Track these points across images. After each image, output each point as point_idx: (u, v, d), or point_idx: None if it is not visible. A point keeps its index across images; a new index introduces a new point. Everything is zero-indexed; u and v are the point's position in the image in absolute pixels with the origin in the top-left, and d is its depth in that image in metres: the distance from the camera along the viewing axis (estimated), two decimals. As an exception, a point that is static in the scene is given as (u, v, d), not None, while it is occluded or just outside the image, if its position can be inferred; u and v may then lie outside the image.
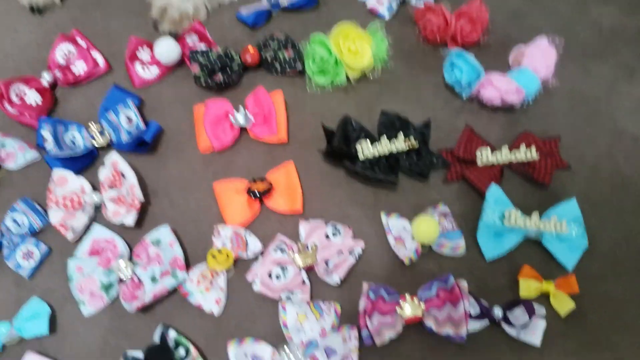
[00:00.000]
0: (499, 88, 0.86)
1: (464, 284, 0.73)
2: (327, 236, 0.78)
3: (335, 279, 0.74)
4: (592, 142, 0.91)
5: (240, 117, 0.84)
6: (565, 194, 0.86)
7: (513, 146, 0.87)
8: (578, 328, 0.77)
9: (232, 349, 0.68)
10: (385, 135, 0.83)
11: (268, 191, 0.79)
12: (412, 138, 0.83)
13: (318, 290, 0.76)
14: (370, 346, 0.71)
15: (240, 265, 0.77)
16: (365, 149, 0.81)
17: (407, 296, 0.72)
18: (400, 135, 0.83)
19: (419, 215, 0.78)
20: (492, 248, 0.79)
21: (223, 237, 0.77)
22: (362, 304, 0.73)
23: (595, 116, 0.94)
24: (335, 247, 0.77)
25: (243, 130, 0.87)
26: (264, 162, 0.85)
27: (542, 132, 0.90)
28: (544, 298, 0.78)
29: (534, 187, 0.86)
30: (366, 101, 0.91)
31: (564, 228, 0.79)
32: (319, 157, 0.85)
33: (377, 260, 0.79)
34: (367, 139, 0.83)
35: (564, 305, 0.77)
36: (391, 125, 0.85)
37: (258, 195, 0.79)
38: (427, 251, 0.79)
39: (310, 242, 0.77)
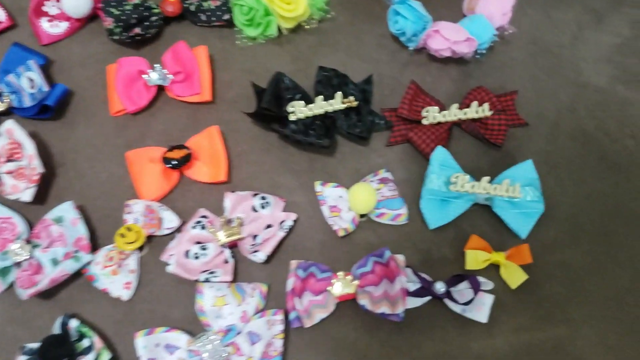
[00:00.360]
0: (447, 38, 0.76)
1: (400, 259, 0.65)
2: (254, 209, 0.69)
3: (259, 256, 0.66)
4: (553, 96, 0.83)
5: (154, 75, 0.74)
6: (522, 154, 0.78)
7: (464, 103, 0.78)
8: (531, 301, 0.70)
9: (141, 341, 0.61)
10: (322, 95, 0.74)
11: (187, 159, 0.71)
12: (350, 97, 0.74)
13: (245, 269, 0.68)
14: (299, 328, 0.64)
15: (157, 244, 0.69)
16: (298, 110, 0.72)
17: (341, 273, 0.65)
18: (338, 94, 0.74)
19: (355, 184, 0.70)
20: (436, 216, 0.72)
21: (135, 213, 0.68)
22: (290, 283, 0.65)
23: (558, 67, 0.85)
24: (263, 220, 0.69)
25: (162, 91, 0.77)
26: (185, 126, 0.76)
27: (498, 86, 0.82)
28: (495, 269, 0.71)
29: (487, 148, 0.78)
30: (303, 55, 0.82)
31: (516, 192, 0.72)
32: (248, 119, 0.76)
33: (311, 234, 0.71)
34: (302, 99, 0.73)
35: (515, 277, 0.70)
36: (328, 82, 0.75)
37: (176, 164, 0.70)
38: (365, 220, 0.72)
39: (235, 215, 0.69)
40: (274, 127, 0.72)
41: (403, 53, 0.83)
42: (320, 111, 0.73)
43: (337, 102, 0.73)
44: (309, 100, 0.74)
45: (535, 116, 0.81)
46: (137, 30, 0.79)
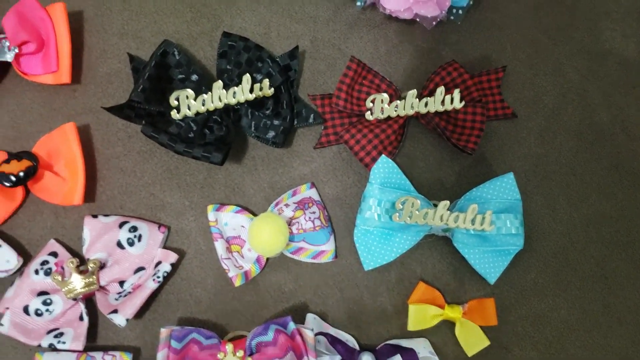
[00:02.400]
0: (405, -5, 0.52)
1: (308, 335, 0.47)
2: (120, 245, 0.51)
3: (118, 320, 0.48)
4: (556, 72, 0.60)
5: (-14, 49, 0.53)
6: (503, 160, 0.57)
7: (426, 88, 0.56)
8: (492, 371, 0.53)
9: None
10: (223, 79, 0.53)
11: (31, 172, 0.51)
12: (265, 81, 0.51)
13: (108, 325, 0.51)
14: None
15: (-7, 288, 0.51)
16: (185, 104, 0.51)
17: (229, 347, 0.47)
18: (245, 78, 0.50)
19: (257, 219, 0.50)
20: (373, 254, 0.53)
21: (-39, 248, 0.50)
22: (161, 356, 0.48)
23: (568, 27, 0.61)
24: (131, 261, 0.51)
25: (6, 67, 0.56)
26: (39, 117, 0.55)
27: (481, 57, 0.59)
28: (449, 326, 0.53)
29: (455, 152, 0.57)
30: (210, 11, 0.58)
31: (486, 224, 0.52)
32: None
33: (201, 275, 0.53)
34: (197, 85, 0.52)
35: (473, 341, 0.52)
36: (235, 57, 0.53)
37: (13, 182, 0.50)
38: (277, 257, 0.53)
39: (94, 254, 0.51)
40: (145, 132, 0.50)
41: (350, 8, 0.59)
42: (219, 105, 0.51)
43: (244, 91, 0.51)
44: (208, 86, 0.51)
45: (528, 103, 0.59)
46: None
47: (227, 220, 0.52)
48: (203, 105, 0.51)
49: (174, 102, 0.51)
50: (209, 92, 0.51)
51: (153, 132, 0.50)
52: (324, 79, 0.57)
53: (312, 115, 0.55)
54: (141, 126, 0.51)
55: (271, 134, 0.53)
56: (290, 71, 0.55)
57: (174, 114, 0.51)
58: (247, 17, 0.58)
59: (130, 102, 0.51)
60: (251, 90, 0.50)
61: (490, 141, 0.57)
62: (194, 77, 0.52)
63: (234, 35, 0.53)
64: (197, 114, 0.51)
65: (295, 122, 0.54)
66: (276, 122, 0.53)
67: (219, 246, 0.52)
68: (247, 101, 0.51)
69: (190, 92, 0.51)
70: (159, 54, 0.52)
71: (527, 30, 0.60)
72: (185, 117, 0.51)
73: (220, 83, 0.51)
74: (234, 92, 0.51)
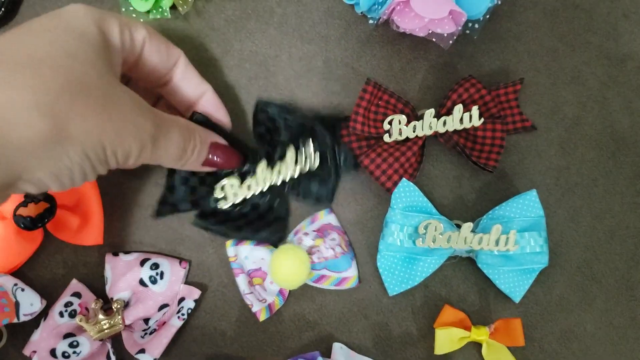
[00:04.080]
0: (421, 15, 0.51)
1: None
2: (143, 283, 0.51)
3: (145, 359, 0.49)
4: (575, 81, 0.58)
5: None
6: (524, 175, 0.56)
7: (444, 106, 0.55)
8: (521, 390, 0.53)
9: None
10: (264, 156, 0.49)
11: (47, 216, 0.50)
12: (312, 155, 0.49)
13: (135, 361, 0.51)
14: None
15: (19, 331, 0.51)
16: (230, 195, 0.49)
17: (257, 381, 0.47)
18: (289, 154, 0.48)
19: (278, 252, 0.50)
20: (398, 279, 0.52)
21: (-16, 293, 0.50)
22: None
23: (586, 32, 0.60)
24: (155, 299, 0.50)
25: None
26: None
27: (498, 69, 0.58)
28: (475, 347, 0.53)
29: (475, 169, 0.56)
30: (217, 35, 0.57)
31: (510, 244, 0.51)
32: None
33: (224, 309, 0.53)
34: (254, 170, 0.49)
35: (500, 362, 0.52)
36: (272, 126, 0.49)
37: (29, 226, 0.50)
38: (299, 288, 0.53)
39: (117, 294, 0.50)
40: (198, 225, 0.50)
41: (362, 25, 0.58)
42: (264, 187, 0.49)
43: (289, 167, 0.49)
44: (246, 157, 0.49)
45: (547, 114, 0.57)
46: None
47: (247, 253, 0.52)
48: (249, 189, 0.49)
49: (219, 193, 0.49)
50: (254, 175, 0.49)
51: (206, 224, 0.50)
52: (338, 100, 0.56)
53: (350, 162, 0.53)
54: (193, 220, 0.50)
55: (319, 195, 0.51)
56: (335, 134, 0.52)
57: (221, 204, 0.50)
58: (257, 39, 0.57)
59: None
60: (296, 162, 0.48)
61: (510, 156, 0.56)
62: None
63: (269, 102, 0.49)
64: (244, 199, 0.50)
65: (340, 173, 0.53)
66: (321, 188, 0.51)
67: (241, 282, 0.51)
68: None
69: (235, 181, 0.49)
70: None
71: (544, 38, 0.59)
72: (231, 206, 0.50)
73: (264, 164, 0.48)
74: (279, 171, 0.48)
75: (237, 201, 0.48)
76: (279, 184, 0.48)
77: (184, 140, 0.37)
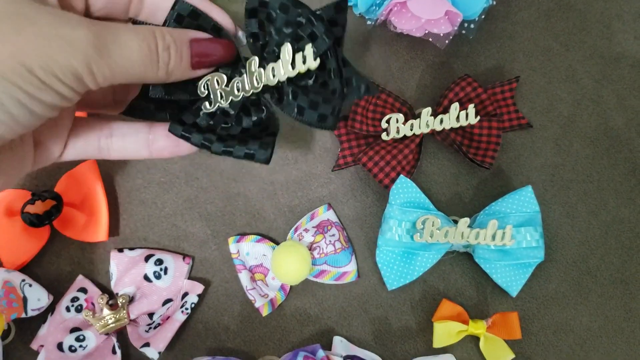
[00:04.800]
0: (418, 16, 0.52)
1: (337, 362, 0.48)
2: (147, 278, 0.52)
3: (150, 353, 0.50)
4: (570, 79, 0.60)
5: None
6: (520, 171, 0.57)
7: (440, 104, 0.56)
8: (518, 382, 0.54)
9: None
10: (254, 49, 0.37)
11: (54, 213, 0.52)
12: (308, 49, 0.34)
13: (140, 358, 0.52)
14: None
15: (27, 326, 0.53)
16: (216, 91, 0.36)
17: (258, 373, 0.48)
18: (286, 49, 0.35)
19: (279, 248, 0.51)
20: (397, 274, 0.53)
21: (-7, 289, 0.51)
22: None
23: (580, 32, 0.61)
24: (159, 294, 0.52)
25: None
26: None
27: (493, 67, 0.59)
28: (473, 340, 0.54)
29: (471, 166, 0.57)
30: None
31: (506, 239, 0.52)
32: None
33: (227, 304, 0.54)
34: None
35: (498, 354, 0.53)
36: (269, 16, 0.36)
37: (35, 223, 0.51)
38: (300, 283, 0.54)
39: (122, 289, 0.52)
40: (175, 132, 0.36)
41: (360, 26, 0.59)
42: (256, 88, 0.37)
43: (284, 66, 0.35)
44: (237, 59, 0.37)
45: (543, 112, 0.59)
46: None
47: (248, 249, 0.53)
48: (238, 90, 0.37)
49: (202, 91, 0.37)
50: (243, 74, 0.37)
51: (184, 131, 0.37)
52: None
53: (363, 87, 0.39)
54: (169, 126, 0.37)
55: (319, 113, 0.36)
56: (337, 27, 0.38)
57: (205, 106, 0.37)
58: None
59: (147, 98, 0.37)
60: (293, 64, 0.36)
61: (506, 153, 0.57)
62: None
63: None
64: (232, 101, 0.38)
65: (345, 92, 0.38)
66: (324, 98, 0.37)
67: (243, 278, 0.52)
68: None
69: (222, 76, 0.37)
70: (172, 20, 0.36)
71: (539, 38, 0.60)
72: (217, 109, 0.38)
73: (255, 61, 0.36)
74: (273, 69, 0.36)
75: (224, 103, 0.37)
76: (273, 84, 0.36)
77: (144, 40, 0.30)
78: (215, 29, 0.35)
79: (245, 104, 0.37)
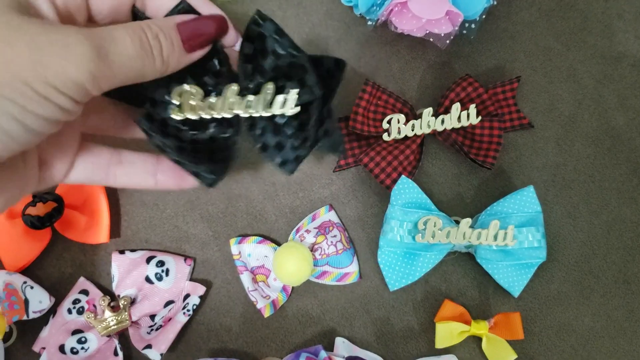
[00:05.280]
0: (419, 16, 0.52)
1: (339, 363, 0.48)
2: (149, 280, 0.52)
3: (152, 355, 0.50)
4: (571, 79, 0.59)
5: None
6: (521, 171, 0.57)
7: (442, 105, 0.56)
8: (520, 382, 0.54)
9: None
10: (244, 77, 0.35)
11: (55, 215, 0.52)
12: (292, 95, 0.34)
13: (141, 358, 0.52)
14: None
15: (29, 328, 0.53)
16: (187, 105, 0.35)
17: (261, 375, 0.48)
18: (267, 88, 0.34)
19: (281, 249, 0.51)
20: (399, 274, 0.53)
21: (-6, 291, 0.51)
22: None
23: (581, 32, 0.61)
24: (161, 295, 0.51)
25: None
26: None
27: (494, 67, 0.59)
28: (475, 340, 0.54)
29: (472, 166, 0.57)
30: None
31: (508, 239, 0.52)
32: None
33: (229, 305, 0.54)
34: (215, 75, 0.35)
35: (500, 355, 0.53)
36: (263, 51, 0.34)
37: (36, 225, 0.51)
38: (302, 285, 0.54)
39: (124, 291, 0.52)
40: (141, 125, 0.34)
41: (361, 27, 0.59)
42: (227, 114, 0.36)
43: (260, 105, 0.34)
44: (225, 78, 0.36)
45: (544, 112, 0.58)
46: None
47: (250, 251, 0.53)
48: (210, 108, 0.36)
49: (175, 98, 0.35)
50: (219, 95, 0.36)
51: (149, 128, 0.35)
52: (338, 100, 0.57)
53: (339, 147, 0.39)
54: (138, 118, 0.35)
55: (281, 157, 0.36)
56: (333, 80, 0.37)
57: (174, 112, 0.36)
58: (258, 41, 0.58)
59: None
60: (270, 104, 0.35)
61: (508, 153, 0.57)
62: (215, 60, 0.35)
63: (270, 21, 0.34)
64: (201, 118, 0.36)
65: (319, 145, 0.38)
66: (294, 144, 0.36)
67: (245, 279, 0.52)
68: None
69: (197, 90, 0.35)
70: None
71: (540, 37, 0.60)
72: (184, 120, 0.36)
73: (233, 89, 0.35)
74: (248, 102, 0.35)
75: (193, 117, 0.36)
76: (244, 116, 0.35)
77: (135, 33, 0.29)
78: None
79: (217, 118, 0.36)
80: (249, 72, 0.35)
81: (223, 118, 0.36)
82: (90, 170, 0.34)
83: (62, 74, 0.25)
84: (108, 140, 0.35)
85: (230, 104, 0.35)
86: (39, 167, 0.31)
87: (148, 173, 0.35)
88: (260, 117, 0.35)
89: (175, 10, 0.34)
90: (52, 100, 0.25)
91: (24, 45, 0.24)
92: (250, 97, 0.35)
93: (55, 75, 0.25)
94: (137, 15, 0.32)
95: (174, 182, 0.35)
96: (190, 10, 0.34)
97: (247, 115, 0.35)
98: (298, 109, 0.35)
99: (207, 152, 0.37)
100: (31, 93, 0.25)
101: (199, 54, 0.33)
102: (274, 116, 0.35)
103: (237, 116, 0.35)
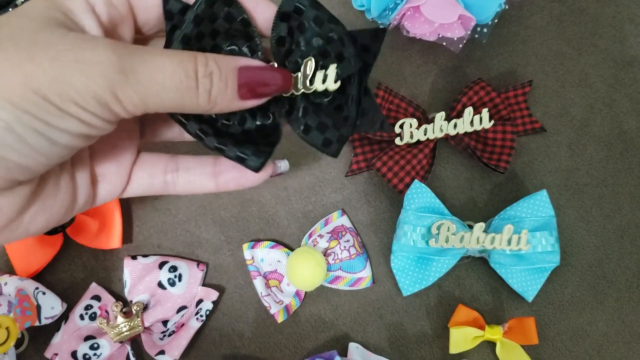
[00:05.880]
0: (431, 20, 0.52)
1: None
2: (162, 285, 0.51)
3: (165, 361, 0.49)
4: (583, 83, 0.59)
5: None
6: (534, 176, 0.57)
7: (454, 109, 0.56)
8: (534, 387, 0.53)
9: None
10: (276, 53, 0.32)
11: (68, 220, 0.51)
12: (331, 70, 0.32)
13: (155, 362, 0.52)
14: None
15: (41, 333, 0.52)
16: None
17: (275, 381, 0.48)
18: (310, 65, 0.32)
19: (294, 254, 0.51)
20: (412, 279, 0.53)
21: (6, 296, 0.51)
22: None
23: (592, 36, 0.61)
24: (174, 301, 0.51)
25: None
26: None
27: (506, 72, 0.59)
28: (489, 346, 0.54)
29: (485, 170, 0.57)
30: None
31: (522, 244, 0.52)
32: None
33: (241, 310, 0.53)
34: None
35: (514, 360, 0.52)
36: (301, 26, 0.33)
37: (51, 229, 0.51)
38: (315, 290, 0.53)
39: (136, 297, 0.51)
40: (173, 116, 0.32)
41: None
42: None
43: (302, 80, 0.32)
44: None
45: (556, 116, 0.58)
46: None
47: (263, 256, 0.53)
48: None
49: None
50: None
51: (182, 116, 0.33)
52: (350, 104, 0.57)
53: (378, 123, 0.36)
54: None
55: (324, 137, 0.34)
56: (368, 54, 0.35)
57: None
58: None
59: None
60: (312, 80, 0.33)
61: (520, 157, 0.57)
62: (245, 47, 0.33)
63: None
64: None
65: (358, 123, 0.36)
66: (336, 123, 0.34)
67: (258, 284, 0.52)
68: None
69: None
70: (204, 1, 0.32)
71: (552, 42, 0.60)
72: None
73: (274, 66, 0.33)
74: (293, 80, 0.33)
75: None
76: (286, 95, 0.34)
77: (180, 65, 0.27)
78: (244, 23, 0.32)
79: (250, 108, 0.33)
80: (283, 52, 0.33)
81: (262, 104, 0.33)
82: (148, 182, 0.33)
83: (83, 91, 0.25)
84: (162, 147, 0.34)
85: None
86: (92, 183, 0.31)
87: (208, 177, 0.34)
88: (301, 97, 0.33)
89: None
90: (74, 115, 0.25)
91: (48, 61, 0.24)
92: (292, 75, 0.32)
93: (76, 91, 0.24)
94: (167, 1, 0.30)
95: (235, 182, 0.34)
96: None
97: (289, 94, 0.33)
98: (339, 83, 0.33)
99: (249, 136, 0.35)
100: (52, 108, 0.25)
101: (252, 103, 0.31)
102: (313, 96, 0.33)
103: (274, 100, 0.33)
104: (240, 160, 0.33)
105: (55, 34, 0.25)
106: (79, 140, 0.26)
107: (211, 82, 0.28)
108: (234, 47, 0.32)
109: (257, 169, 0.33)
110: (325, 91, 0.32)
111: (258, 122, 0.35)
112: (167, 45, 0.31)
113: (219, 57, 0.29)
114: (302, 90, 0.32)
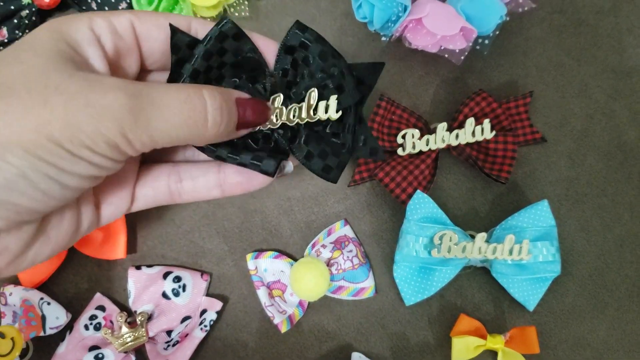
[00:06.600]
0: (433, 32, 0.53)
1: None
2: (166, 296, 0.52)
3: (170, 371, 0.50)
4: (582, 93, 0.60)
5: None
6: (535, 185, 0.58)
7: (456, 119, 0.56)
8: (536, 396, 0.54)
9: None
10: (283, 88, 0.35)
11: (72, 230, 0.52)
12: (332, 101, 0.34)
13: (159, 372, 0.52)
14: None
15: (45, 344, 0.53)
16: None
17: (279, 391, 0.48)
18: (312, 95, 0.34)
19: (297, 265, 0.51)
20: (415, 289, 0.53)
21: (11, 306, 0.51)
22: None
23: (591, 47, 0.61)
24: (178, 311, 0.52)
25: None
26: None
27: (506, 83, 0.59)
28: (491, 355, 0.54)
29: (486, 180, 0.57)
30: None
31: (523, 254, 0.52)
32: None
33: (245, 320, 0.54)
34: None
35: (516, 369, 0.53)
36: (305, 59, 0.35)
37: (55, 241, 0.51)
38: (318, 300, 0.54)
39: (141, 307, 0.52)
40: None
41: (375, 42, 0.60)
42: (274, 124, 0.35)
43: (305, 110, 0.34)
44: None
45: (556, 126, 0.59)
46: (4, 31, 0.57)
47: (266, 266, 0.53)
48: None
49: None
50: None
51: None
52: (352, 115, 0.58)
53: (369, 149, 0.38)
54: None
55: (325, 164, 0.36)
56: (364, 86, 0.38)
57: None
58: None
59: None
60: (315, 111, 0.34)
61: (521, 167, 0.58)
62: (249, 79, 0.35)
63: (311, 30, 0.35)
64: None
65: (354, 150, 0.38)
66: (333, 150, 0.36)
67: (262, 294, 0.52)
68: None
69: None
70: (214, 37, 0.32)
71: (552, 53, 0.60)
72: None
73: (280, 97, 0.35)
74: (294, 110, 0.35)
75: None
76: (291, 124, 0.35)
77: (187, 101, 0.27)
78: (252, 56, 0.34)
79: (254, 135, 0.35)
80: (284, 84, 0.35)
81: (265, 132, 0.35)
82: (153, 196, 0.33)
83: (94, 135, 0.25)
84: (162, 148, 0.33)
85: (278, 114, 0.35)
86: (96, 208, 0.31)
87: (212, 183, 0.34)
88: (304, 125, 0.35)
89: (218, 29, 0.32)
90: (86, 159, 0.25)
91: (60, 107, 0.24)
92: (295, 106, 0.34)
93: (88, 136, 0.25)
94: (175, 33, 0.31)
95: (241, 186, 0.34)
96: (239, 33, 0.33)
97: (294, 123, 0.35)
98: (340, 113, 0.34)
99: (262, 147, 0.36)
100: (64, 154, 0.25)
101: (243, 132, 0.33)
102: (314, 124, 0.35)
103: (278, 129, 0.35)
104: (254, 167, 0.34)
105: (65, 74, 0.25)
106: (88, 181, 0.27)
107: (221, 115, 0.29)
108: (235, 79, 0.34)
109: (272, 173, 0.34)
110: (326, 120, 0.34)
111: (262, 147, 0.36)
112: (172, 78, 0.31)
113: (222, 90, 0.30)
114: (307, 119, 0.34)
